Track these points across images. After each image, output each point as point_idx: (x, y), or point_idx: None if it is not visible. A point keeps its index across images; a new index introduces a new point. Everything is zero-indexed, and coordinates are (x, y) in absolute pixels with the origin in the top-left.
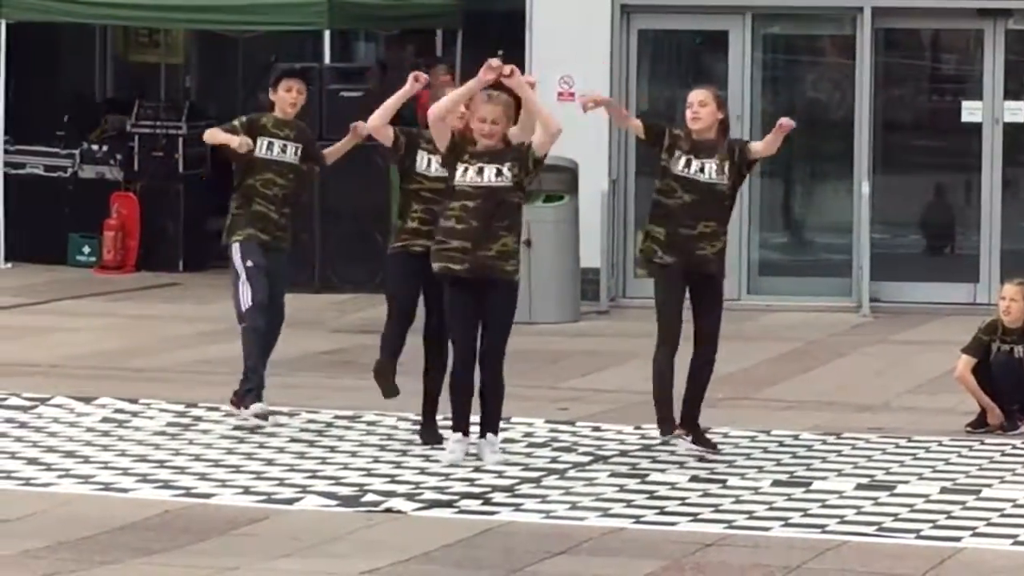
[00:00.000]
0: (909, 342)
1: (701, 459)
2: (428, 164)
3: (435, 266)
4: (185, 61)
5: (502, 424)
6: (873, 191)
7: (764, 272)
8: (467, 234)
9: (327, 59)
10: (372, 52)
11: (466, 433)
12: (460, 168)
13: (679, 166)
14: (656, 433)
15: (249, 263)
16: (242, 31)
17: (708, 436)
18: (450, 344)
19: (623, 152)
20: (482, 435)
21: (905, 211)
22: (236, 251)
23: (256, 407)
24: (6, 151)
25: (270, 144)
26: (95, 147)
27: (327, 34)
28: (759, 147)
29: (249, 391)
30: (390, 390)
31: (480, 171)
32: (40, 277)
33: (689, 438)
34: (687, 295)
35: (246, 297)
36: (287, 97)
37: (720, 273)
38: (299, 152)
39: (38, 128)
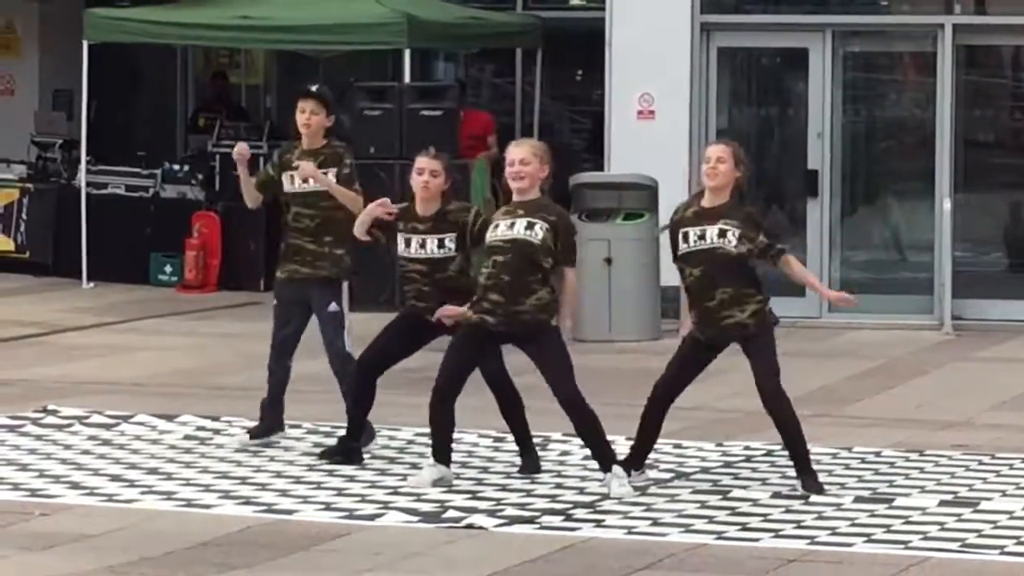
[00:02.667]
0: (992, 359)
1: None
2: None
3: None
4: (265, 81)
5: (583, 442)
6: (955, 208)
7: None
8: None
9: (407, 78)
10: (452, 71)
11: (447, 464)
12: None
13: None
14: (737, 451)
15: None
16: (322, 51)
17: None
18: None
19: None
20: (606, 470)
21: (987, 228)
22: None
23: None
24: (88, 171)
25: (292, 177)
26: (176, 167)
27: (407, 53)
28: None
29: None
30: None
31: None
32: (122, 296)
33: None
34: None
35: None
36: (299, 119)
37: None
38: (333, 176)
39: (119, 148)
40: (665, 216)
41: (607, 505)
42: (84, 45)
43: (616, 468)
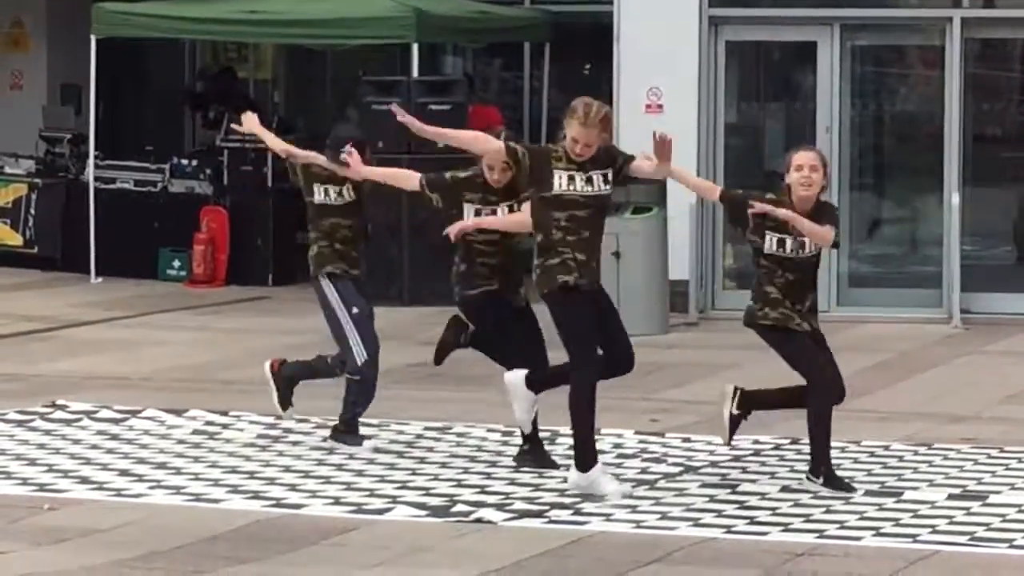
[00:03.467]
0: (1000, 353)
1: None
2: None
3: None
4: (274, 76)
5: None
6: (963, 202)
7: (854, 284)
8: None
9: (415, 72)
10: (460, 65)
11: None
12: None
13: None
14: (746, 444)
15: (355, 309)
16: (330, 45)
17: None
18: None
19: (711, 164)
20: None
21: (995, 222)
22: (329, 288)
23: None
24: (96, 166)
25: (326, 191)
26: (184, 161)
27: (415, 47)
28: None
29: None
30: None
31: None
32: (130, 291)
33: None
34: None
35: (359, 349)
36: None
37: None
38: (351, 192)
39: (127, 143)
40: (673, 211)
41: (616, 499)
42: (92, 40)
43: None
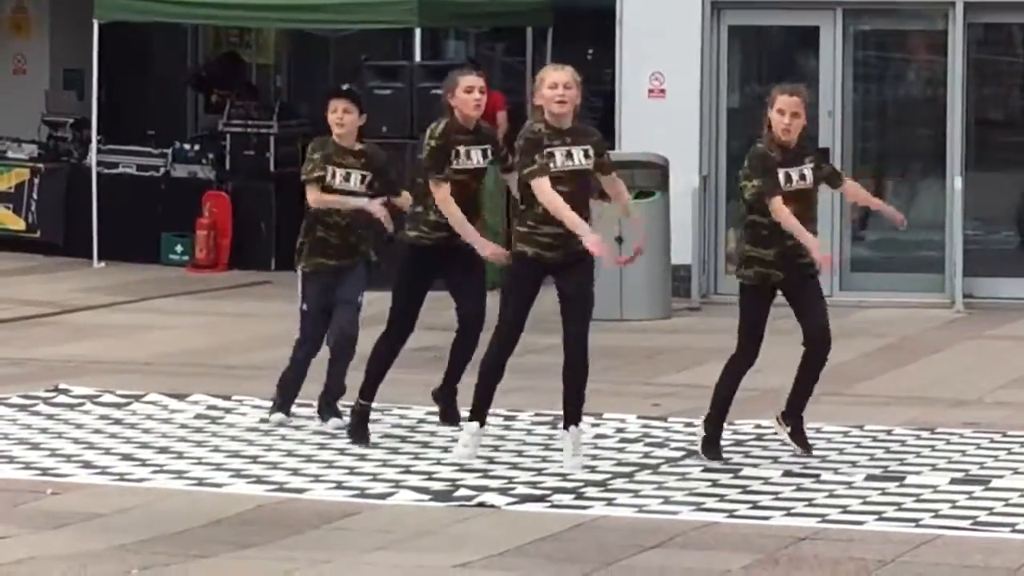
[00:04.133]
0: (1002, 337)
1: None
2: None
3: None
4: (276, 61)
5: (594, 420)
6: (966, 187)
7: (856, 268)
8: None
9: (418, 57)
10: (463, 50)
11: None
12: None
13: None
14: (748, 429)
15: (304, 306)
16: (333, 30)
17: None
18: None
19: (714, 148)
20: (565, 427)
21: (998, 207)
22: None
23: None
24: (99, 150)
25: (346, 176)
26: (187, 146)
27: (418, 32)
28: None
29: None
30: None
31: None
32: (133, 276)
33: (789, 430)
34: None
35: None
36: (331, 119)
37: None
38: (366, 180)
39: (130, 128)
40: (676, 196)
41: (618, 484)
42: (95, 24)
43: (574, 429)
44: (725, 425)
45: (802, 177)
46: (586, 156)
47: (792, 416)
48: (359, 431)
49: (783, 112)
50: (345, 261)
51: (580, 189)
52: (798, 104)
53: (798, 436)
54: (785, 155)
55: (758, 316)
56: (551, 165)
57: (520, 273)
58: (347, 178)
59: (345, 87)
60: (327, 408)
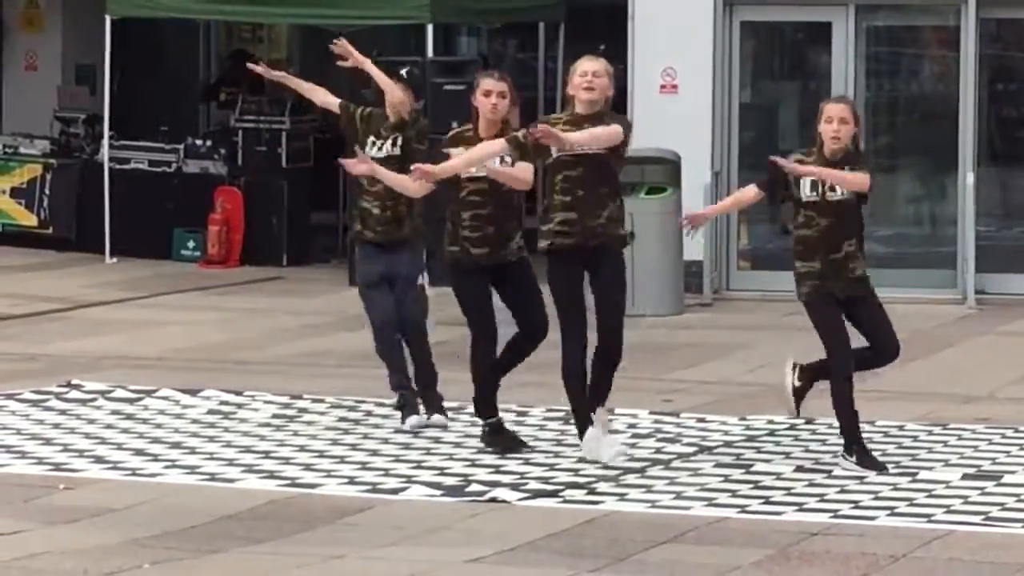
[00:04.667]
0: (1014, 333)
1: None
2: None
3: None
4: (288, 56)
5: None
6: (978, 182)
7: (868, 264)
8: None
9: (430, 53)
10: (475, 46)
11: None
12: None
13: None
14: (760, 424)
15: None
16: (345, 25)
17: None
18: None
19: (726, 144)
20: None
21: (1010, 203)
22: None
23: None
24: (111, 146)
25: (379, 145)
26: (199, 142)
27: (430, 28)
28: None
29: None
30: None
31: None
32: (145, 271)
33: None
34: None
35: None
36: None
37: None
38: (399, 142)
39: (142, 123)
40: (688, 192)
41: (630, 479)
42: (107, 20)
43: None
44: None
45: (832, 188)
46: None
47: (809, 379)
48: (498, 440)
49: (831, 120)
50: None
51: (590, 173)
52: (845, 110)
53: (798, 395)
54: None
55: (835, 322)
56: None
57: (556, 269)
58: (382, 146)
59: (404, 71)
60: (430, 403)
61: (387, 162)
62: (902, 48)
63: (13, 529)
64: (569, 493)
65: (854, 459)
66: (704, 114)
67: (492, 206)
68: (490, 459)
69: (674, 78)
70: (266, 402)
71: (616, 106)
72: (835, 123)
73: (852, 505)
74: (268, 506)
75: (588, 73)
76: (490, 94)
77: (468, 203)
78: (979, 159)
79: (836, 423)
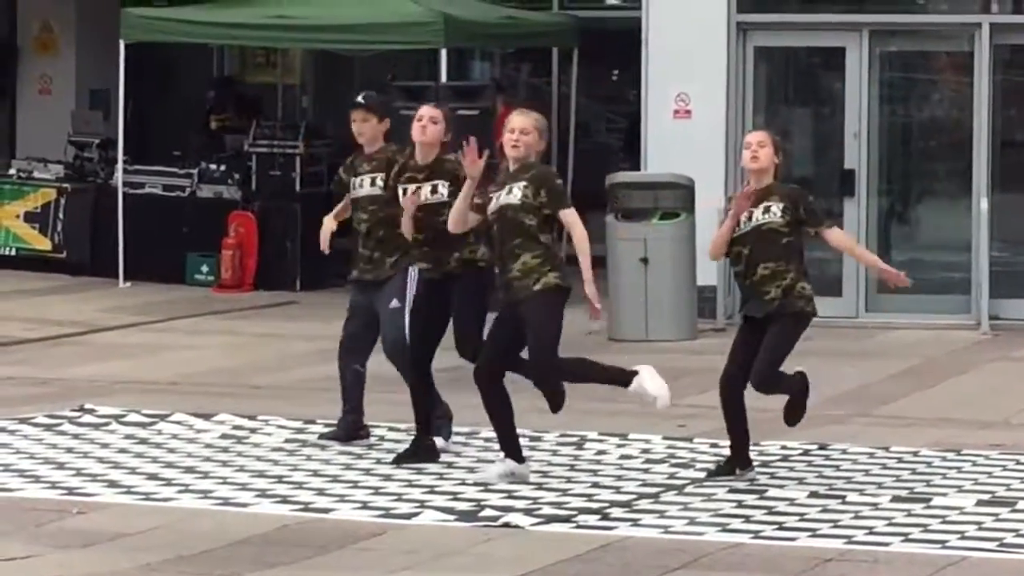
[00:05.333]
0: None
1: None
2: None
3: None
4: (301, 81)
5: (620, 440)
6: (992, 208)
7: (882, 289)
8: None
9: (443, 78)
10: (488, 70)
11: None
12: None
13: None
14: (774, 449)
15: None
16: (358, 51)
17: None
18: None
19: (739, 169)
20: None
21: None
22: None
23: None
24: (125, 171)
25: (361, 183)
26: (213, 167)
27: (443, 53)
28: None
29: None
30: None
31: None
32: (158, 296)
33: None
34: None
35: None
36: (354, 127)
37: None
38: (381, 181)
39: (156, 148)
40: (701, 217)
41: (643, 504)
42: (121, 45)
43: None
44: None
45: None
46: (508, 192)
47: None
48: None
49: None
50: None
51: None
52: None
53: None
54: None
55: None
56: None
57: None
58: (364, 183)
59: (361, 97)
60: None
61: (369, 198)
62: (916, 74)
63: (26, 553)
64: (582, 518)
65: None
66: (717, 139)
67: None
68: (503, 484)
69: (687, 103)
70: (279, 427)
71: (629, 131)
72: (753, 146)
73: (866, 531)
74: (281, 531)
75: (516, 131)
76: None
77: None
78: (993, 185)
79: (849, 449)
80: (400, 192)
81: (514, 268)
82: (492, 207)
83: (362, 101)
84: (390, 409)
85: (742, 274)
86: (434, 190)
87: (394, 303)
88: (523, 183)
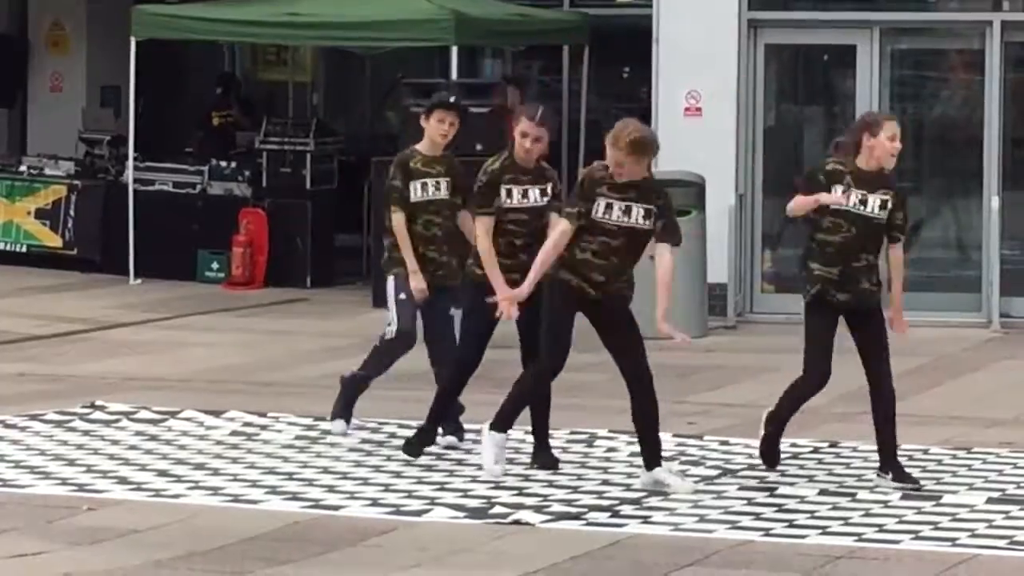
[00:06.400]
0: None
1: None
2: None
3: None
4: (312, 79)
5: (629, 439)
6: (1003, 206)
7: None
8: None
9: (454, 75)
10: (499, 68)
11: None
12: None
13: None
14: (784, 447)
15: (402, 295)
16: (369, 48)
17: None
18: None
19: (750, 167)
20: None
21: None
22: (391, 284)
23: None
24: (136, 168)
25: (424, 185)
26: (223, 164)
27: (454, 50)
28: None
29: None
30: None
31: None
32: (169, 293)
33: (889, 475)
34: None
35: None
36: (439, 128)
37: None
38: (449, 186)
39: (167, 145)
40: (712, 214)
41: (653, 502)
42: (132, 42)
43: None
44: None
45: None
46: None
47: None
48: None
49: (894, 138)
50: None
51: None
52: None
53: (901, 475)
54: (861, 176)
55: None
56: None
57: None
58: (437, 187)
59: (452, 99)
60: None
61: (443, 203)
62: (927, 71)
63: (37, 550)
64: (593, 516)
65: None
66: (728, 137)
67: None
68: (513, 481)
69: (698, 101)
70: (289, 423)
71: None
72: (898, 140)
73: (876, 529)
74: (291, 527)
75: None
76: (526, 136)
77: None
78: (1004, 182)
79: (859, 447)
80: (504, 192)
81: (624, 279)
82: (611, 222)
83: (453, 102)
84: (401, 406)
85: (837, 255)
86: (543, 192)
87: (463, 308)
88: (643, 203)
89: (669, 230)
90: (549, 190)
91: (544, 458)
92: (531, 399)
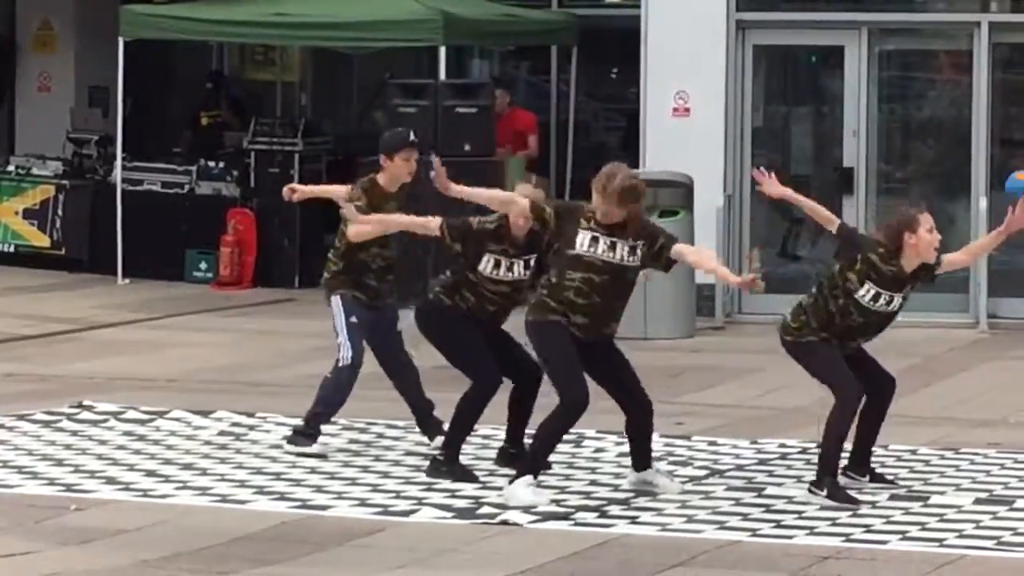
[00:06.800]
0: None
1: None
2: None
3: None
4: (300, 79)
5: (618, 439)
6: (990, 207)
7: None
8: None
9: (442, 75)
10: (487, 68)
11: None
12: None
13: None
14: (772, 448)
15: (352, 318)
16: (357, 48)
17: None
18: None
19: (739, 167)
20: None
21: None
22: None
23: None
24: (124, 167)
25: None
26: (212, 164)
27: (442, 50)
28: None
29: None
30: None
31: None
32: (157, 293)
33: (867, 478)
34: None
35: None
36: (406, 167)
37: None
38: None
39: (155, 145)
40: (700, 215)
41: (641, 502)
42: (120, 42)
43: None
44: (752, 443)
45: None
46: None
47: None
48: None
49: (932, 229)
50: None
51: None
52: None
53: (875, 477)
54: (899, 276)
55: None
56: None
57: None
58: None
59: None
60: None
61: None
62: (915, 72)
63: (25, 550)
64: (580, 516)
65: (824, 492)
66: (716, 137)
67: None
68: (501, 481)
69: (686, 101)
70: (277, 424)
71: (628, 130)
72: (935, 232)
73: (864, 529)
74: (279, 528)
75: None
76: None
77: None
78: (992, 183)
79: (847, 448)
80: (492, 262)
81: (614, 323)
82: (597, 257)
83: (415, 140)
84: (388, 406)
85: (846, 334)
86: (527, 265)
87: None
88: (630, 241)
89: (662, 256)
90: (533, 262)
91: (509, 461)
92: (564, 433)
